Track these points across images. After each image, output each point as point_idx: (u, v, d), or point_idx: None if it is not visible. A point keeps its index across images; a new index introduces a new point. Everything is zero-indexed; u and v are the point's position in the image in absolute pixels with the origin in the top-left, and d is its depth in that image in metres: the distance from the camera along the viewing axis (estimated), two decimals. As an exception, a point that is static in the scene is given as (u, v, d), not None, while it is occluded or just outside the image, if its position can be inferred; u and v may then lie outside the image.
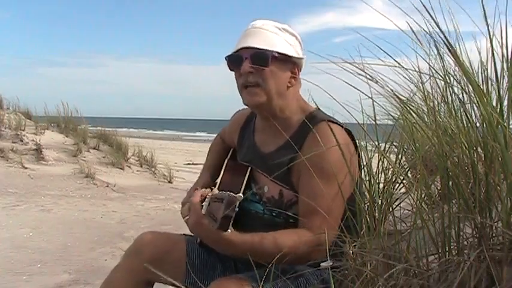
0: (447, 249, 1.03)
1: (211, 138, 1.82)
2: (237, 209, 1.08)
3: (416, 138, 1.29)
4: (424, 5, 1.01)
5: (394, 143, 1.56)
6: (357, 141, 1.37)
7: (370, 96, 1.19)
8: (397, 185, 1.44)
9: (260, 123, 1.51)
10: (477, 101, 1.00)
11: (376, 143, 1.33)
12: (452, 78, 1.10)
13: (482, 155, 1.01)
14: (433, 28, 1.03)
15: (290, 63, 1.37)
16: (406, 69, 1.24)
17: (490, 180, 0.98)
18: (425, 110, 1.36)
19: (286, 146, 1.37)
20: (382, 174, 1.38)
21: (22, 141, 7.63)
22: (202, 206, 1.20)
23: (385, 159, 1.37)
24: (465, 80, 1.03)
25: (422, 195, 1.19)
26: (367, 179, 1.32)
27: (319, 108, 1.45)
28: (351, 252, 1.16)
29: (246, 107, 1.44)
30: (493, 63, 1.03)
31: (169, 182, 7.57)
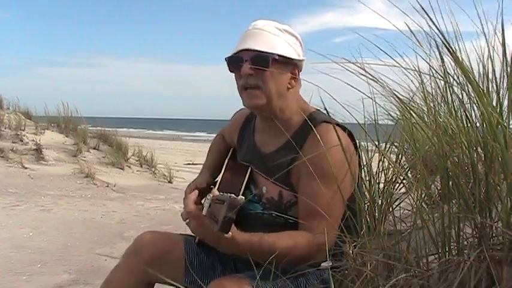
0: (447, 249, 1.03)
1: (211, 138, 1.82)
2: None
3: (416, 138, 1.30)
4: (422, 7, 1.01)
5: (395, 143, 1.56)
6: (357, 142, 1.37)
7: (371, 96, 1.19)
8: (397, 185, 1.44)
9: (260, 124, 1.51)
10: (477, 101, 1.00)
11: (377, 143, 1.33)
12: (452, 78, 1.10)
13: (482, 155, 1.01)
14: (432, 28, 1.03)
15: (290, 65, 1.37)
16: (405, 69, 1.23)
17: (490, 180, 0.98)
18: (425, 110, 1.36)
19: (286, 146, 1.37)
20: (382, 174, 1.38)
21: (22, 141, 7.63)
22: (203, 207, 1.20)
23: (385, 159, 1.37)
24: (465, 79, 1.03)
25: (422, 195, 1.19)
26: (367, 179, 1.32)
27: (319, 109, 1.45)
28: (351, 252, 1.16)
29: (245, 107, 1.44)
30: (491, 62, 1.03)
31: (169, 182, 7.57)
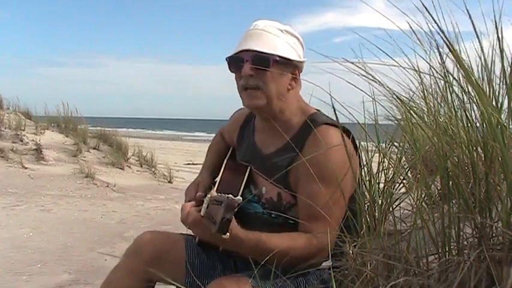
0: (447, 249, 1.03)
1: (211, 138, 1.82)
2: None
3: (416, 138, 1.30)
4: (424, 5, 1.01)
5: (395, 143, 1.56)
6: (357, 142, 1.37)
7: (371, 96, 1.19)
8: (397, 185, 1.44)
9: (260, 124, 1.51)
10: (477, 101, 1.00)
11: (377, 143, 1.33)
12: (452, 77, 1.10)
13: (482, 155, 1.01)
14: (433, 27, 1.03)
15: (291, 66, 1.36)
16: (404, 68, 1.23)
17: (490, 180, 0.98)
18: (425, 110, 1.36)
19: (285, 148, 1.37)
20: (382, 174, 1.38)
21: (22, 141, 7.63)
22: (201, 208, 1.20)
23: (385, 159, 1.37)
24: (465, 79, 1.03)
25: (422, 195, 1.19)
26: (367, 179, 1.32)
27: (319, 110, 1.45)
28: (351, 252, 1.16)
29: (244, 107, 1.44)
30: (491, 62, 1.03)
31: (169, 182, 7.57)
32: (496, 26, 1.00)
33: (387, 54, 1.16)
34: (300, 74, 1.41)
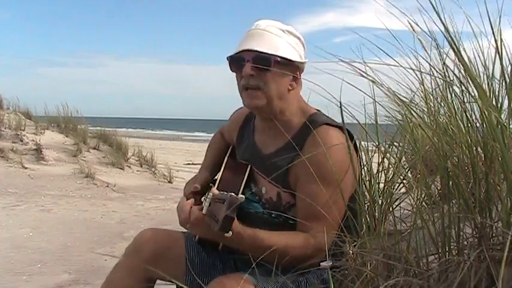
0: (447, 249, 1.03)
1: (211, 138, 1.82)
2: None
3: (416, 138, 1.30)
4: (431, 4, 1.01)
5: (395, 143, 1.56)
6: (357, 143, 1.37)
7: (371, 96, 1.19)
8: (397, 185, 1.44)
9: (260, 124, 1.50)
10: (477, 100, 1.00)
11: (377, 143, 1.33)
12: (452, 76, 1.10)
13: (482, 155, 1.01)
14: (435, 27, 1.03)
15: (292, 66, 1.36)
16: (404, 68, 1.23)
17: (490, 180, 0.98)
18: (426, 110, 1.36)
19: (285, 148, 1.37)
20: (382, 174, 1.38)
21: (22, 141, 7.63)
22: (203, 205, 1.20)
23: (385, 159, 1.37)
24: (466, 75, 1.03)
25: (422, 195, 1.19)
26: (367, 179, 1.32)
27: (319, 110, 1.45)
28: (351, 252, 1.16)
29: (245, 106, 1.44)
30: (491, 62, 1.03)
31: (169, 182, 7.57)
32: (494, 26, 1.00)
33: (388, 55, 1.17)
34: (301, 74, 1.41)
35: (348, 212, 1.22)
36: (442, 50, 1.10)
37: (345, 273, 1.17)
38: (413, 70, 1.26)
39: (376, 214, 1.25)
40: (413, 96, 1.39)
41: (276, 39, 1.35)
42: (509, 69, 1.03)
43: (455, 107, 1.14)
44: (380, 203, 1.30)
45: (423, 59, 1.17)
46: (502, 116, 1.00)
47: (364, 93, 1.18)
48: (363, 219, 1.23)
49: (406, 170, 1.52)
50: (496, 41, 0.99)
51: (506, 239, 0.92)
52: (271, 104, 1.36)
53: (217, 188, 1.37)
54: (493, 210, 0.99)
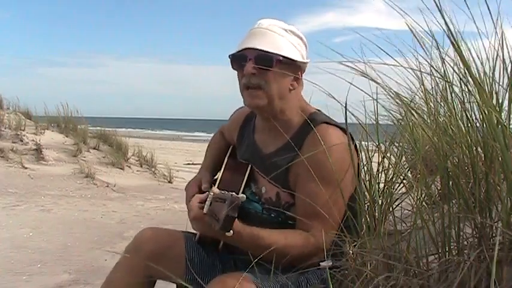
0: (447, 249, 1.03)
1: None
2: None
3: (416, 138, 1.30)
4: (437, 4, 1.01)
5: (395, 143, 1.56)
6: (357, 142, 1.37)
7: (371, 96, 1.19)
8: (397, 185, 1.44)
9: (260, 123, 1.51)
10: (477, 100, 1.00)
11: (377, 143, 1.33)
12: (452, 76, 1.10)
13: (482, 155, 1.01)
14: (437, 26, 1.03)
15: (294, 66, 1.36)
16: (404, 67, 1.23)
17: (490, 180, 0.98)
18: (426, 110, 1.36)
19: (285, 147, 1.37)
20: (382, 174, 1.38)
21: (22, 141, 7.63)
22: (204, 205, 1.20)
23: (385, 159, 1.37)
24: (466, 75, 1.03)
25: (422, 195, 1.19)
26: (367, 179, 1.32)
27: (319, 110, 1.45)
28: (351, 252, 1.16)
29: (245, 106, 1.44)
30: (492, 62, 1.03)
31: (169, 182, 7.57)
32: (495, 26, 1.00)
33: (389, 54, 1.17)
34: (303, 74, 1.41)
35: (348, 212, 1.22)
36: (442, 50, 1.10)
37: (345, 273, 1.17)
38: (413, 70, 1.26)
39: (376, 214, 1.25)
40: (414, 96, 1.40)
41: (278, 38, 1.34)
42: (509, 68, 1.03)
43: (455, 107, 1.14)
44: (380, 203, 1.30)
45: (423, 58, 1.17)
46: (502, 116, 1.00)
47: (365, 92, 1.18)
48: (363, 219, 1.23)
49: (406, 170, 1.52)
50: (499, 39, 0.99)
51: (506, 239, 0.92)
52: (272, 104, 1.36)
53: (217, 188, 1.37)
54: (493, 210, 0.99)
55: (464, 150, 1.04)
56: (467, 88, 1.04)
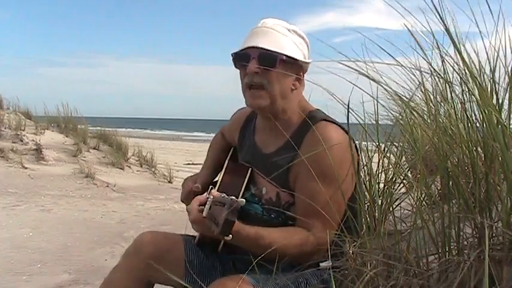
0: (447, 249, 1.03)
1: (211, 138, 1.82)
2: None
3: (416, 138, 1.29)
4: (434, 4, 1.01)
5: (395, 143, 1.56)
6: (356, 142, 1.37)
7: (371, 95, 1.19)
8: (397, 185, 1.44)
9: (261, 123, 1.51)
10: (477, 100, 1.00)
11: (377, 143, 1.33)
12: (452, 76, 1.10)
13: (482, 155, 1.01)
14: (437, 26, 1.03)
15: (296, 66, 1.36)
16: (403, 66, 1.23)
17: (490, 180, 0.98)
18: (425, 109, 1.36)
19: (285, 146, 1.37)
20: (382, 174, 1.38)
21: (22, 141, 7.63)
22: (203, 208, 1.20)
23: (385, 159, 1.37)
24: (466, 75, 1.03)
25: (422, 195, 1.19)
26: (367, 179, 1.32)
27: (319, 109, 1.45)
28: (351, 252, 1.16)
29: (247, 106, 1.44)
30: (492, 62, 1.03)
31: (169, 182, 7.57)
32: (496, 26, 1.00)
33: (390, 54, 1.17)
34: (305, 74, 1.41)
35: (348, 212, 1.22)
36: (442, 50, 1.10)
37: (345, 273, 1.17)
38: (413, 70, 1.26)
39: (376, 214, 1.25)
40: (413, 96, 1.40)
41: (281, 37, 1.34)
42: (509, 68, 1.03)
43: (455, 107, 1.14)
44: (380, 203, 1.30)
45: (423, 58, 1.17)
46: (502, 116, 1.00)
47: (366, 92, 1.18)
48: (363, 219, 1.23)
49: (406, 170, 1.52)
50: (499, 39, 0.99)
51: (506, 239, 0.92)
52: (275, 104, 1.36)
53: (217, 191, 1.37)
54: (493, 210, 0.99)
55: (464, 150, 1.04)
56: (467, 88, 1.04)
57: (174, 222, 4.57)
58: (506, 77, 1.04)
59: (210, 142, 1.81)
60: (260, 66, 1.31)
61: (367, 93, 1.18)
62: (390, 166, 1.38)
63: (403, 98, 1.30)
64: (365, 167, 1.37)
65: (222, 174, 1.57)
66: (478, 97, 0.99)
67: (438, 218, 1.05)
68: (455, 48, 1.03)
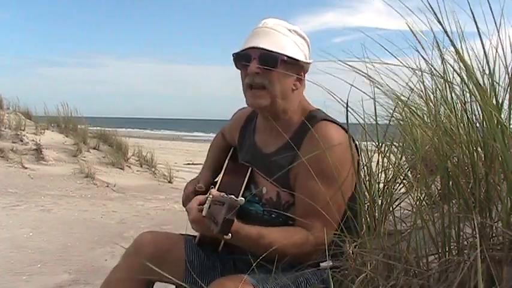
0: (447, 249, 1.03)
1: (211, 138, 1.82)
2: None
3: (416, 138, 1.30)
4: (430, 5, 1.01)
5: (394, 143, 1.56)
6: (357, 142, 1.37)
7: (371, 95, 1.19)
8: (397, 185, 1.44)
9: (261, 123, 1.51)
10: (477, 100, 1.00)
11: (377, 143, 1.33)
12: (452, 76, 1.10)
13: (482, 155, 1.01)
14: (436, 27, 1.03)
15: (297, 66, 1.36)
16: (406, 67, 1.23)
17: (490, 180, 0.98)
18: (426, 110, 1.36)
19: (286, 146, 1.37)
20: (382, 174, 1.38)
21: (22, 141, 7.63)
22: (203, 207, 1.20)
23: (385, 159, 1.37)
24: (466, 75, 1.03)
25: (422, 195, 1.19)
26: (367, 179, 1.32)
27: (319, 109, 1.45)
28: (351, 252, 1.16)
29: (248, 106, 1.44)
30: (492, 62, 1.03)
31: (169, 182, 7.57)
32: (497, 26, 1.00)
33: (393, 54, 1.17)
34: (305, 75, 1.41)
35: (348, 212, 1.22)
36: (442, 50, 1.10)
37: (345, 273, 1.17)
38: (413, 70, 1.26)
39: (376, 214, 1.25)
40: (413, 95, 1.40)
41: (282, 38, 1.34)
42: (509, 68, 1.03)
43: (455, 107, 1.14)
44: (380, 203, 1.30)
45: (423, 58, 1.17)
46: (502, 116, 1.00)
47: (364, 93, 1.18)
48: (363, 219, 1.23)
49: (406, 170, 1.52)
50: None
51: (506, 239, 0.92)
52: (275, 104, 1.36)
53: (217, 191, 1.37)
54: (493, 210, 0.99)
55: (464, 150, 1.04)
56: (468, 88, 1.04)
57: (174, 222, 4.57)
58: (507, 77, 1.04)
59: (210, 142, 1.81)
60: (261, 67, 1.31)
61: (366, 93, 1.18)
62: (390, 166, 1.38)
63: (402, 97, 1.30)
64: (365, 167, 1.37)
65: (221, 174, 1.57)
66: (478, 97, 0.99)
67: (438, 218, 1.05)
68: (454, 48, 1.03)
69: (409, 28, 1.12)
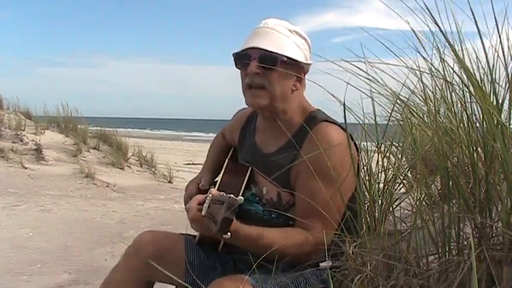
0: (447, 249, 1.03)
1: (211, 138, 1.82)
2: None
3: (416, 138, 1.29)
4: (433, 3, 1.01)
5: (394, 143, 1.56)
6: (357, 142, 1.37)
7: (371, 95, 1.19)
8: (397, 185, 1.44)
9: (261, 124, 1.51)
10: (477, 100, 1.00)
11: (376, 143, 1.33)
12: (452, 76, 1.10)
13: (482, 155, 1.01)
14: (435, 27, 1.03)
15: (297, 67, 1.36)
16: (406, 67, 1.23)
17: (490, 180, 0.98)
18: (425, 110, 1.36)
19: (286, 146, 1.37)
20: (382, 174, 1.38)
21: (22, 141, 7.63)
22: (202, 207, 1.20)
23: (385, 159, 1.37)
24: (466, 78, 1.03)
25: (422, 195, 1.19)
26: (367, 179, 1.32)
27: (319, 109, 1.45)
28: (351, 252, 1.16)
29: (247, 106, 1.44)
30: (492, 62, 1.03)
31: (169, 182, 7.57)
32: (497, 26, 1.00)
33: (394, 54, 1.17)
34: (306, 75, 1.41)
35: (348, 212, 1.22)
36: (442, 50, 1.10)
37: (345, 273, 1.17)
38: (413, 70, 1.26)
39: (376, 214, 1.25)
40: (412, 95, 1.40)
41: (283, 38, 1.34)
42: (509, 68, 1.03)
43: (455, 107, 1.14)
44: (380, 203, 1.30)
45: (423, 58, 1.17)
46: (502, 116, 1.00)
47: (364, 93, 1.18)
48: (363, 219, 1.23)
49: (406, 170, 1.52)
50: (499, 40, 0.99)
51: (506, 239, 0.92)
52: (274, 104, 1.36)
53: (217, 190, 1.37)
54: (493, 210, 0.99)
55: (464, 150, 1.04)
56: (467, 88, 1.04)
57: (174, 222, 4.57)
58: (506, 77, 1.04)
59: (210, 142, 1.81)
60: (261, 67, 1.31)
61: (365, 93, 1.18)
62: (390, 166, 1.38)
63: (402, 97, 1.30)
64: (365, 167, 1.37)
65: (221, 173, 1.57)
66: (478, 97, 0.99)
67: (438, 218, 1.05)
68: (451, 48, 1.02)
69: (410, 28, 1.11)
